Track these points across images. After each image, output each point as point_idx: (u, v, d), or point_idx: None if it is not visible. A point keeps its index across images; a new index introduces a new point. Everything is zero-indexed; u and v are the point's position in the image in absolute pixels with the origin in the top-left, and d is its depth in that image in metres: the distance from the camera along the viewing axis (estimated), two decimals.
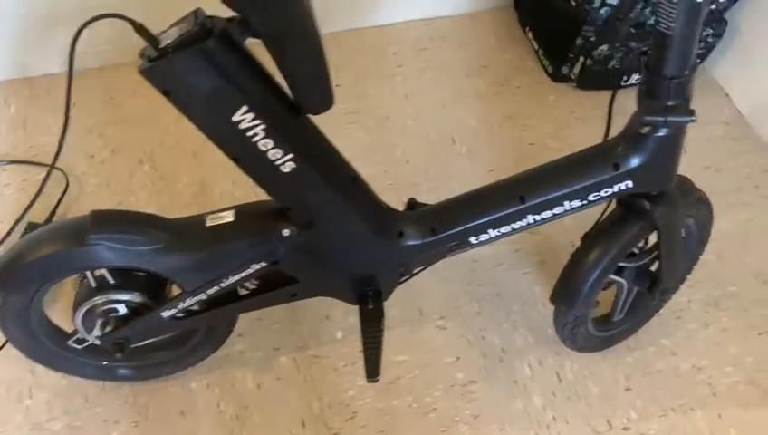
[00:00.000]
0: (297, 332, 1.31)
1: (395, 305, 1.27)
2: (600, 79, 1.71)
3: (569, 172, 1.00)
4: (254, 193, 0.94)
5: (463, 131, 1.66)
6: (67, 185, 1.43)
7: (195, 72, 0.74)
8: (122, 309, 1.03)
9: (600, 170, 0.98)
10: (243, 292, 1.05)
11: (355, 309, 1.07)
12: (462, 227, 1.02)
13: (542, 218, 1.02)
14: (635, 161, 0.96)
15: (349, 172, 0.95)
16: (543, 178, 1.01)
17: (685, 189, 1.11)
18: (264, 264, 0.97)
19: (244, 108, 0.78)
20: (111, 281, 1.01)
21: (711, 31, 1.69)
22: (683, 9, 0.81)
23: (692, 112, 0.90)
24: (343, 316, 1.33)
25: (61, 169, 1.44)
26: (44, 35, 1.55)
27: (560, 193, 0.99)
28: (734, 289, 1.47)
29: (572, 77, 1.71)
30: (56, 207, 1.39)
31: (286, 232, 0.95)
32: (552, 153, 1.68)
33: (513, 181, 1.03)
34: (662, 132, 0.94)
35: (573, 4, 1.61)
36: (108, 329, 1.04)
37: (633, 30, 1.61)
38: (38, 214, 1.38)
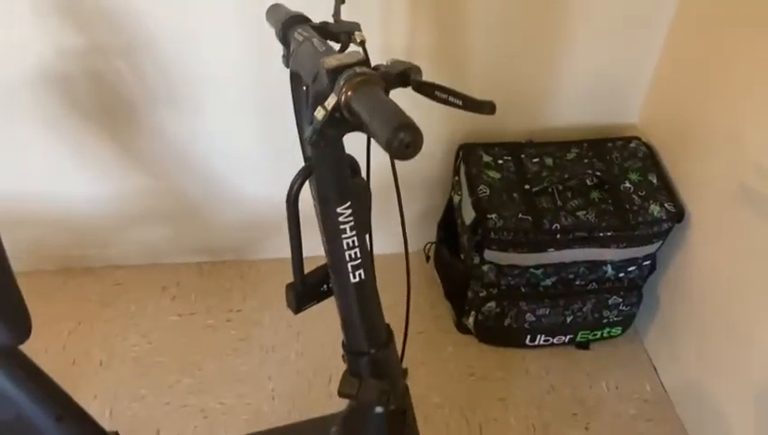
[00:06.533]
0: None
1: None
2: (499, 336, 1.64)
3: None
4: None
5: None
6: None
7: None
8: None
9: None
10: None
11: None
12: None
13: None
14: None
15: (54, 410, 0.95)
16: None
17: None
18: None
19: None
20: None
21: (621, 300, 1.60)
22: (342, 290, 0.80)
23: (385, 395, 0.84)
24: None
25: None
26: None
27: None
28: None
29: (471, 330, 1.66)
30: None
31: None
32: (430, 409, 1.58)
33: None
34: (378, 410, 0.88)
35: (462, 257, 1.61)
36: None
37: (524, 289, 1.56)
38: None
